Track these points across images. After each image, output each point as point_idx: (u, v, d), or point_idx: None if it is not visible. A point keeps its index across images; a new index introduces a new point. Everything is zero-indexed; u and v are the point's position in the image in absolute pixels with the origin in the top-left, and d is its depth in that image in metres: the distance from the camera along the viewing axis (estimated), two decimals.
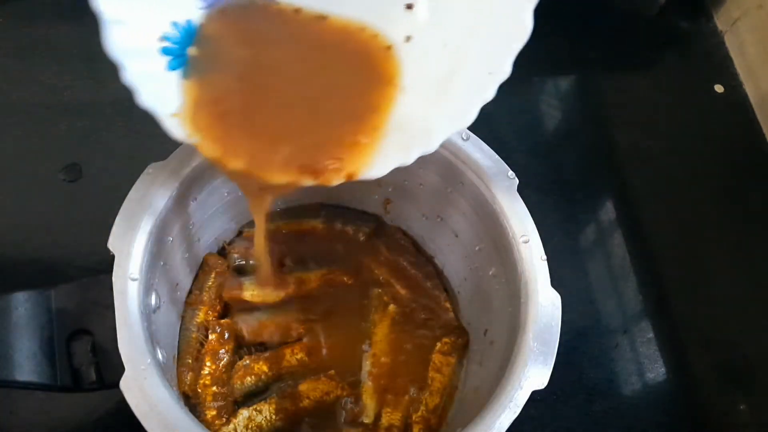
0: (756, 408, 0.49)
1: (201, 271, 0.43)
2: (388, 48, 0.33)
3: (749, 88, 0.65)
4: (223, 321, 0.41)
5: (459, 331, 0.43)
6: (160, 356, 0.33)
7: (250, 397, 0.40)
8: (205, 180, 0.38)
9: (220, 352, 0.40)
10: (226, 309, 0.42)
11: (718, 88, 0.65)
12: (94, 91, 0.53)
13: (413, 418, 0.40)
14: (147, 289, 0.33)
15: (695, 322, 0.52)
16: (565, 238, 0.55)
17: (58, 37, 0.56)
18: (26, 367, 0.31)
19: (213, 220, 0.42)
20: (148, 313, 0.33)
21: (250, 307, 0.42)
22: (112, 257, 0.32)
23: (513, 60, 0.29)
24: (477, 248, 0.41)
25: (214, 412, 0.38)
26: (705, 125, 0.63)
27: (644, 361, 0.50)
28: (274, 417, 0.39)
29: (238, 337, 0.41)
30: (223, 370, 0.40)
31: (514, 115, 0.60)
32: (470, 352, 0.42)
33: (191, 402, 0.39)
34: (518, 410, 0.31)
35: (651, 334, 0.51)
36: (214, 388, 0.39)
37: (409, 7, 0.32)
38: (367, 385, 0.40)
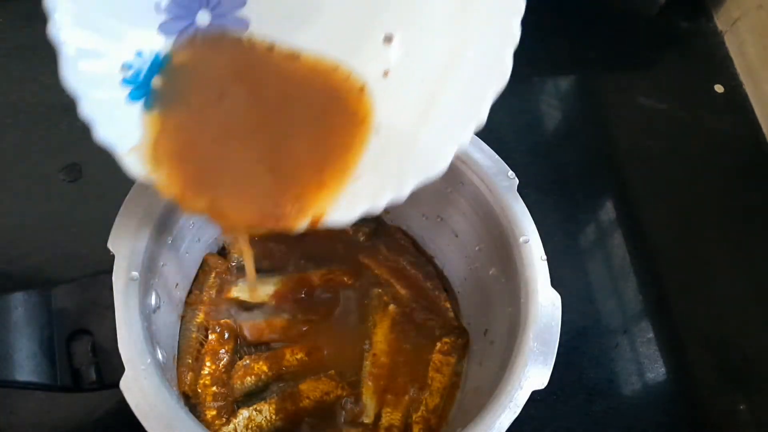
0: (756, 408, 0.49)
1: (201, 271, 0.43)
2: (361, 89, 0.31)
3: (749, 88, 0.65)
4: (223, 321, 0.41)
5: (459, 331, 0.43)
6: (160, 356, 0.33)
7: (250, 397, 0.40)
8: None
9: (220, 352, 0.40)
10: (227, 309, 0.42)
11: (718, 88, 0.65)
12: None
13: (413, 418, 0.40)
14: (147, 289, 0.33)
15: (695, 322, 0.52)
16: (565, 238, 0.55)
17: None
18: (26, 367, 0.31)
19: None
20: (148, 313, 0.33)
21: (250, 307, 0.42)
22: (112, 257, 0.32)
23: (490, 105, 0.28)
24: (477, 248, 0.41)
25: (214, 412, 0.38)
26: (705, 125, 0.63)
27: (644, 361, 0.50)
28: (274, 417, 0.39)
29: (238, 337, 0.41)
30: (223, 370, 0.40)
31: (514, 115, 0.60)
32: (470, 352, 0.42)
33: (191, 402, 0.39)
34: (518, 410, 0.31)
35: (651, 334, 0.51)
36: (214, 388, 0.39)
37: (388, 40, 0.31)
38: (367, 385, 0.40)
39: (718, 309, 0.53)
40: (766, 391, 0.50)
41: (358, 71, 0.31)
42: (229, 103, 0.30)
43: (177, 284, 0.40)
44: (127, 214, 0.33)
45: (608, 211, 0.57)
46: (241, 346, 0.41)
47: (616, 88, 0.64)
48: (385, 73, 0.31)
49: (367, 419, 0.40)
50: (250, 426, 0.38)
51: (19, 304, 0.31)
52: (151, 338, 0.32)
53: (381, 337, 0.42)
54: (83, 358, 0.32)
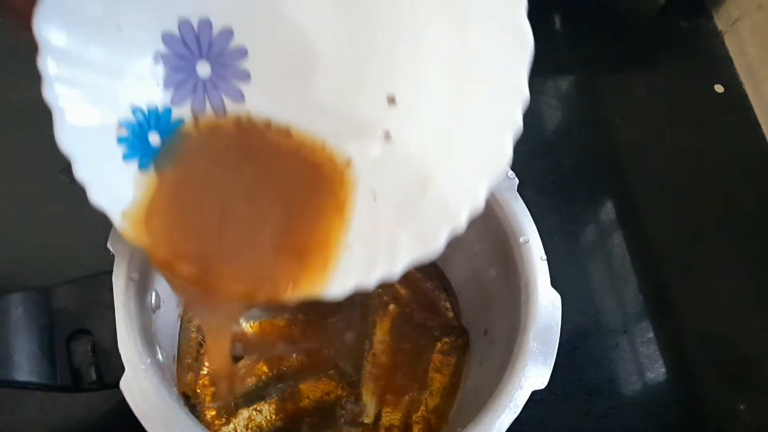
0: (756, 408, 0.49)
1: None
2: (346, 165, 0.30)
3: (749, 88, 0.65)
4: None
5: (459, 331, 0.43)
6: (160, 356, 0.33)
7: (250, 397, 0.40)
8: None
9: None
10: None
11: (718, 88, 0.65)
12: None
13: (413, 418, 0.40)
14: (147, 289, 0.33)
15: (695, 322, 0.52)
16: (565, 238, 0.55)
17: None
18: (26, 367, 0.31)
19: None
20: (148, 313, 0.33)
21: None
22: (112, 257, 0.32)
23: (486, 193, 0.27)
24: (477, 248, 0.41)
25: (214, 412, 0.38)
26: (705, 125, 0.63)
27: (644, 361, 0.50)
28: (274, 417, 0.39)
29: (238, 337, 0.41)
30: None
31: None
32: (470, 352, 0.42)
33: (191, 402, 0.39)
34: (518, 410, 0.31)
35: (651, 334, 0.51)
36: (214, 388, 0.39)
37: (392, 101, 0.29)
38: (367, 385, 0.40)
39: (718, 309, 0.53)
40: (766, 391, 0.50)
41: (344, 149, 0.31)
42: (225, 176, 0.30)
43: None
44: None
45: (608, 211, 0.57)
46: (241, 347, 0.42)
47: (616, 88, 0.64)
48: (380, 148, 0.30)
49: (367, 419, 0.40)
50: (250, 426, 0.38)
51: (19, 304, 0.31)
52: (151, 338, 0.32)
53: (381, 337, 0.42)
54: (83, 358, 0.32)
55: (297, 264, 0.29)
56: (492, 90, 0.27)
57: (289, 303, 0.28)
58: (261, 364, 0.40)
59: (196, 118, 0.30)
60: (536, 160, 0.58)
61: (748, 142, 0.62)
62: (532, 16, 0.25)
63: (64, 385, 0.32)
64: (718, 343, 0.52)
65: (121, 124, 0.28)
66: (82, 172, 0.26)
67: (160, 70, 0.28)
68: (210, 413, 0.38)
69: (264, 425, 0.38)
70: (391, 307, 0.43)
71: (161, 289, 0.36)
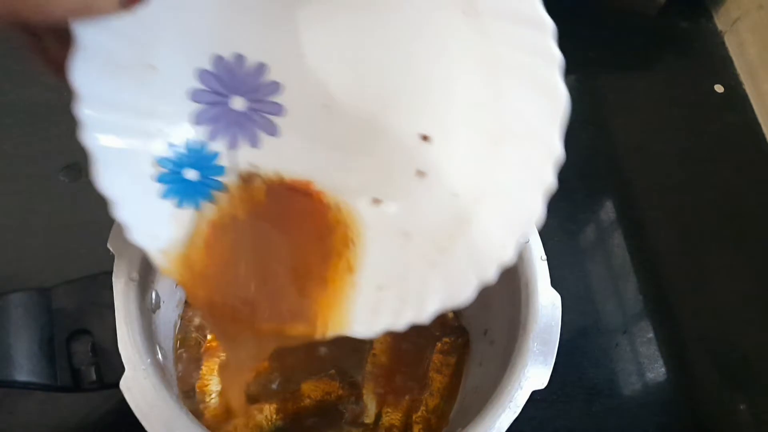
0: (756, 408, 0.49)
1: None
2: (347, 229, 0.30)
3: (749, 88, 0.65)
4: None
5: (459, 331, 0.43)
6: (160, 356, 0.33)
7: (250, 397, 0.40)
8: None
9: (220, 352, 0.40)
10: None
11: (718, 88, 0.65)
12: None
13: (413, 418, 0.40)
14: (147, 289, 0.33)
15: (695, 322, 0.52)
16: (565, 238, 0.54)
17: None
18: (26, 367, 0.31)
19: None
20: (148, 313, 0.33)
21: None
22: (112, 257, 0.32)
23: (517, 246, 0.27)
24: None
25: (214, 412, 0.38)
26: (705, 125, 0.63)
27: (644, 361, 0.50)
28: (274, 416, 0.39)
29: None
30: None
31: None
32: (470, 352, 0.42)
33: (191, 402, 0.38)
34: (518, 410, 0.31)
35: (651, 334, 0.51)
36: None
37: (425, 138, 0.29)
38: (368, 385, 0.40)
39: (718, 309, 0.53)
40: (766, 391, 0.50)
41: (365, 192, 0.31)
42: (257, 224, 0.30)
43: (177, 284, 0.40)
44: None
45: (608, 211, 0.57)
46: None
47: (616, 88, 0.64)
48: (412, 187, 0.30)
49: (368, 419, 0.40)
50: (250, 426, 0.38)
51: (19, 304, 0.31)
52: (151, 338, 0.32)
53: (381, 337, 0.42)
54: (83, 358, 0.32)
55: (325, 305, 0.29)
56: (525, 146, 0.27)
57: (321, 340, 0.29)
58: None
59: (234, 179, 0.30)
60: None
61: (748, 142, 0.62)
62: None
63: (64, 385, 0.32)
64: (718, 343, 0.52)
65: (158, 163, 0.28)
66: (123, 213, 0.26)
67: (194, 106, 0.28)
68: (210, 413, 0.38)
69: (264, 425, 0.38)
70: None
71: (161, 289, 0.36)
